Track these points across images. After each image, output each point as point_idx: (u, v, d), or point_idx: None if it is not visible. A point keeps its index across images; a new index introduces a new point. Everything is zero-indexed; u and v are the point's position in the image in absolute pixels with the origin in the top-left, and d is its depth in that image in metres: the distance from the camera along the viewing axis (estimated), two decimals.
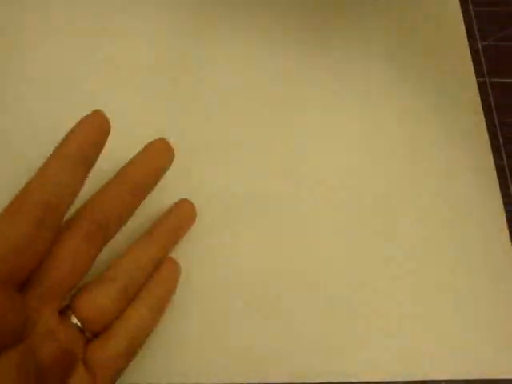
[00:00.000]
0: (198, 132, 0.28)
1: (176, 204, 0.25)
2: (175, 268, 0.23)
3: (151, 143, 0.22)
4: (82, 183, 0.20)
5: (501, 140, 0.29)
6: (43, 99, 0.28)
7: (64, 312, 0.20)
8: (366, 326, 0.24)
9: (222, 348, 0.23)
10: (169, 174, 0.26)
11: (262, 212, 0.26)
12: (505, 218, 0.27)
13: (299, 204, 0.27)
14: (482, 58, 0.31)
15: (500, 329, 0.24)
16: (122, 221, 0.21)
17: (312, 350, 0.24)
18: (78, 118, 0.27)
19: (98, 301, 0.20)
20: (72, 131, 0.19)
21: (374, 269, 0.25)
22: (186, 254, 0.25)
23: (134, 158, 0.22)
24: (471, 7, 0.32)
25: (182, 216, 0.24)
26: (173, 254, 0.24)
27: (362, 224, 0.26)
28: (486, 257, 0.26)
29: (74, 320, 0.20)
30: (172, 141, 0.25)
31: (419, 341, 0.24)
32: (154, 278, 0.22)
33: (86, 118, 0.20)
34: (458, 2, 0.32)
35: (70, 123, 0.27)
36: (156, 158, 0.22)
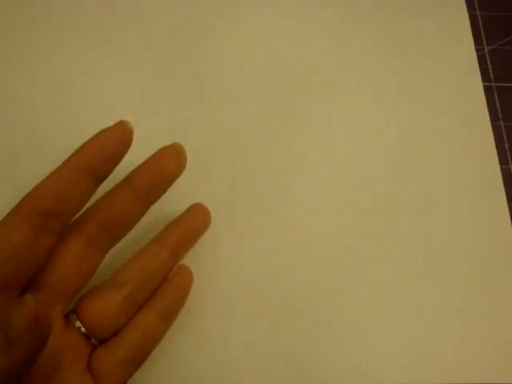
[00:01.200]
0: (201, 131, 0.28)
1: (190, 207, 0.24)
2: (188, 276, 0.23)
3: (163, 148, 0.21)
4: (89, 195, 0.19)
5: (507, 144, 0.29)
6: (42, 96, 0.28)
7: (69, 316, 0.20)
8: (367, 329, 0.24)
9: (223, 350, 0.23)
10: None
11: (265, 214, 0.26)
12: (510, 223, 0.27)
13: (302, 204, 0.27)
14: (489, 63, 0.31)
15: (502, 333, 0.24)
16: (127, 226, 0.21)
17: (314, 353, 0.24)
18: (74, 117, 0.27)
19: (103, 307, 0.20)
20: (88, 141, 0.19)
21: (376, 270, 0.25)
22: (189, 257, 0.25)
23: (143, 162, 0.21)
24: (478, 11, 0.32)
25: (195, 220, 0.23)
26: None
27: (365, 224, 0.26)
28: (491, 261, 0.26)
29: (78, 324, 0.20)
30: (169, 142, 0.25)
31: (420, 344, 0.24)
32: (166, 286, 0.22)
33: (108, 128, 0.19)
34: (464, 6, 0.32)
35: (69, 123, 0.28)
36: (166, 164, 0.21)
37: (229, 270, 0.25)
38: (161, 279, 0.22)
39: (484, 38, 0.32)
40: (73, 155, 0.19)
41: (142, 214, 0.21)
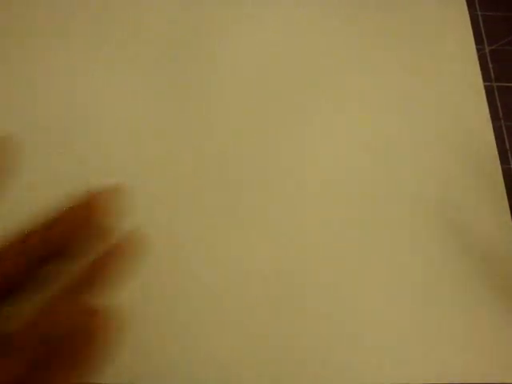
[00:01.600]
0: (202, 129, 0.28)
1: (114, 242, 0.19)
2: (101, 323, 0.19)
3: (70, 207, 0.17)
4: (32, 278, 0.16)
5: (507, 144, 0.29)
6: (45, 94, 0.28)
7: None
8: (367, 330, 0.24)
9: (225, 348, 0.24)
10: (176, 171, 0.26)
11: (267, 212, 0.26)
12: (511, 222, 0.27)
13: (304, 202, 0.27)
14: (489, 63, 0.31)
15: (502, 334, 0.24)
16: (22, 282, 0.17)
17: (314, 353, 0.24)
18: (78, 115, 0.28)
19: (6, 371, 0.18)
20: (53, 220, 0.16)
21: (376, 271, 0.25)
22: (189, 254, 0.25)
23: (47, 217, 0.17)
24: (479, 12, 0.32)
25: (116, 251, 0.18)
26: (173, 254, 0.25)
27: (366, 224, 0.26)
28: (492, 261, 0.26)
29: None
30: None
31: (421, 344, 0.24)
32: (75, 337, 0.17)
33: (81, 203, 0.16)
34: (465, 7, 0.32)
35: (70, 122, 0.28)
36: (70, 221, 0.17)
37: (229, 269, 0.25)
38: (75, 327, 0.18)
39: (485, 38, 0.32)
40: (28, 236, 0.16)
41: (37, 272, 0.17)
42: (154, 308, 0.24)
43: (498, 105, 0.30)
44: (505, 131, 0.29)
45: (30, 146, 0.27)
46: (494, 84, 0.30)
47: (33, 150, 0.27)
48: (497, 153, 0.28)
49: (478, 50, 0.31)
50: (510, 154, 0.29)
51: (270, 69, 0.30)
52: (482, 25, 0.32)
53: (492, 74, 0.31)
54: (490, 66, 0.31)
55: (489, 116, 0.29)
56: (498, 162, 0.28)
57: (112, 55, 0.30)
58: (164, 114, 0.28)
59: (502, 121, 0.29)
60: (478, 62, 0.31)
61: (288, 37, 0.31)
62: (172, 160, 0.27)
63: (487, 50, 0.31)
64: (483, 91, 0.30)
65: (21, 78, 0.29)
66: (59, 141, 0.27)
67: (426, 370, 0.24)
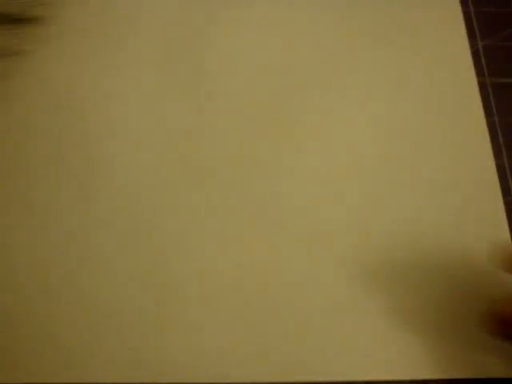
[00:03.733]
0: (203, 125, 0.28)
1: None
2: None
3: None
4: None
5: (501, 140, 0.29)
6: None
7: None
8: (366, 325, 0.24)
9: (220, 345, 0.24)
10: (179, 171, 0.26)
11: (265, 209, 0.26)
12: (506, 218, 0.27)
13: (301, 198, 0.27)
14: (483, 58, 0.31)
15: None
16: None
17: (314, 349, 0.24)
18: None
19: None
20: None
21: (372, 267, 0.25)
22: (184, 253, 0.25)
23: None
24: (471, 7, 0.32)
25: None
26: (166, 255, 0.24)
27: (362, 221, 0.26)
28: (485, 257, 0.26)
29: None
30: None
31: (419, 340, 0.24)
32: None
33: None
34: (458, 2, 0.32)
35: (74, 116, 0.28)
36: None
37: (221, 262, 0.25)
38: None
39: (478, 34, 0.32)
40: None
41: None
42: (154, 305, 0.24)
43: (492, 100, 0.30)
44: (498, 127, 0.29)
45: (41, 149, 0.27)
46: (488, 80, 0.30)
47: (44, 153, 0.27)
48: (491, 148, 0.28)
49: (471, 46, 0.31)
50: (503, 150, 0.29)
51: (270, 65, 0.30)
52: (474, 21, 0.32)
53: (485, 70, 0.31)
54: (483, 61, 0.31)
55: (482, 112, 0.29)
56: (492, 157, 0.28)
57: (112, 55, 0.30)
58: (162, 113, 0.28)
59: (496, 116, 0.29)
60: (471, 58, 0.31)
61: (288, 36, 0.31)
62: (169, 160, 0.27)
63: (480, 46, 0.31)
64: (477, 87, 0.30)
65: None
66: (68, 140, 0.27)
67: (426, 365, 0.24)
